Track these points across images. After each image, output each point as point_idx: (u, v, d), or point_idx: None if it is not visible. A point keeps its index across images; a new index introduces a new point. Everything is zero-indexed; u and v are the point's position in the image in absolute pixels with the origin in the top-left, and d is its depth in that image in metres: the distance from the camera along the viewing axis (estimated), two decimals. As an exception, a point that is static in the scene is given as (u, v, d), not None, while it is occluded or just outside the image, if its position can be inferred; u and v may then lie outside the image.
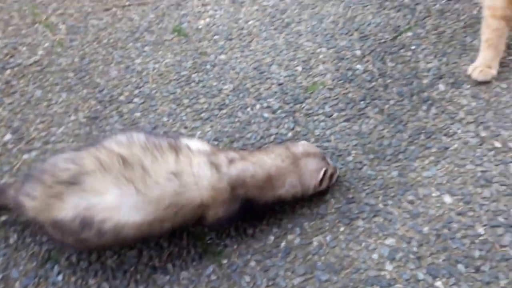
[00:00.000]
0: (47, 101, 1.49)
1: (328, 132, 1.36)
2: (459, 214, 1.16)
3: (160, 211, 0.97)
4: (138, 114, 1.44)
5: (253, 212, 1.13)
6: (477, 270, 1.06)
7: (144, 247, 1.13)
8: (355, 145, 1.33)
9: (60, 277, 1.08)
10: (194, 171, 1.01)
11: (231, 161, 1.07)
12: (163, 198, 0.97)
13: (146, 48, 1.67)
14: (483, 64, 1.47)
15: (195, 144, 1.09)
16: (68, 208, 0.95)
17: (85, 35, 1.72)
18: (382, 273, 1.07)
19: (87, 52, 1.66)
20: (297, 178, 1.12)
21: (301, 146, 1.16)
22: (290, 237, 1.15)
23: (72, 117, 1.44)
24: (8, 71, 1.60)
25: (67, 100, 1.49)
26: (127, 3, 1.85)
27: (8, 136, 1.40)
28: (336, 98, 1.45)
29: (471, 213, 1.16)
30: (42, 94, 1.51)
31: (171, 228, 1.03)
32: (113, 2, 1.86)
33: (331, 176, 1.18)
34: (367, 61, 1.56)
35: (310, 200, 1.20)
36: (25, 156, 1.33)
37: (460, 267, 1.07)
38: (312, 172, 1.13)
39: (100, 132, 1.39)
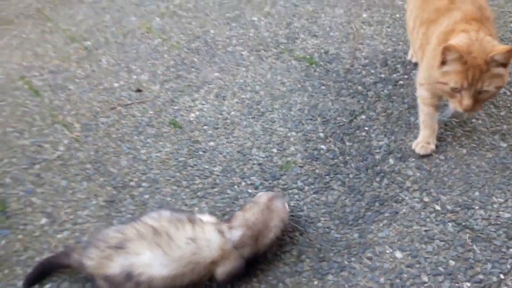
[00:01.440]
0: (72, 189, 1.73)
1: (301, 203, 1.64)
2: (408, 266, 1.42)
3: (181, 267, 1.28)
4: (147, 196, 1.70)
5: (256, 261, 1.43)
6: (424, 311, 1.32)
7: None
8: (324, 213, 1.60)
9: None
10: (206, 236, 1.32)
11: (230, 228, 1.38)
12: (183, 258, 1.28)
13: (149, 140, 1.94)
14: (423, 140, 1.78)
15: (205, 217, 1.43)
16: (116, 266, 1.25)
17: (97, 131, 1.99)
18: (350, 318, 1.33)
19: (100, 146, 1.92)
20: (276, 219, 1.42)
21: (262, 195, 1.49)
22: (275, 292, 1.39)
23: (94, 202, 1.68)
24: (37, 166, 1.84)
25: (87, 188, 1.73)
26: (129, 102, 2.17)
27: (43, 220, 1.63)
28: (306, 174, 1.75)
29: (417, 265, 1.41)
30: (67, 183, 1.76)
31: (190, 281, 1.31)
32: (118, 102, 2.16)
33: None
34: (329, 141, 1.89)
35: (289, 261, 1.47)
36: (59, 236, 1.57)
37: (411, 309, 1.33)
38: (282, 209, 1.46)
39: (117, 213, 1.62)
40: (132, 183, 1.76)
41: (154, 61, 2.44)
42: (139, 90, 2.24)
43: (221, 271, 1.34)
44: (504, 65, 1.45)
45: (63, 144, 1.95)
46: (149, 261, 1.25)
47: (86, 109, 2.13)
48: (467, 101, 1.47)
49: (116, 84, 2.29)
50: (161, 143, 1.94)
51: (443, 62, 1.48)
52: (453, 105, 1.53)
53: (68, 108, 2.15)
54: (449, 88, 1.49)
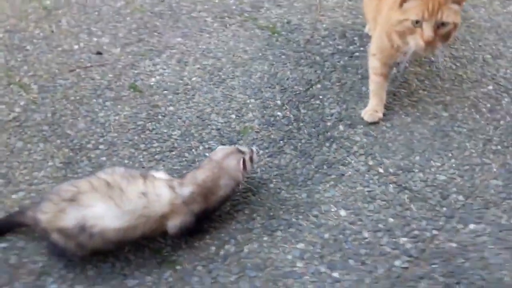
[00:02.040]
0: (28, 151, 1.73)
1: (255, 166, 1.71)
2: (350, 223, 1.53)
3: (133, 220, 1.32)
4: (104, 159, 1.73)
5: (207, 217, 1.48)
6: (363, 263, 1.41)
7: (116, 260, 1.42)
8: (276, 175, 1.68)
9: (53, 286, 1.37)
10: (156, 191, 1.37)
11: (181, 184, 1.43)
12: (135, 211, 1.33)
13: (107, 103, 1.95)
14: (371, 109, 1.89)
15: (158, 173, 1.48)
16: (70, 218, 1.29)
17: (55, 93, 1.98)
18: (295, 269, 1.40)
19: (57, 108, 1.91)
20: (227, 177, 1.45)
21: (219, 152, 1.51)
22: (227, 246, 1.46)
23: (50, 163, 1.69)
24: None
25: (44, 149, 1.74)
26: (89, 64, 2.15)
27: None
28: (262, 139, 1.81)
29: (359, 222, 1.52)
30: (23, 145, 1.76)
31: (142, 234, 1.37)
32: (77, 64, 2.14)
33: (251, 158, 1.52)
34: (285, 109, 1.95)
35: (241, 219, 1.55)
36: (14, 196, 1.58)
37: (351, 261, 1.41)
38: (235, 166, 1.47)
39: (74, 174, 1.64)
40: (89, 146, 1.78)
41: (116, 23, 2.41)
42: (99, 53, 2.22)
43: (172, 225, 1.40)
44: (458, 3, 1.53)
45: (19, 105, 1.94)
46: (102, 213, 1.30)
47: (44, 71, 2.11)
48: (428, 32, 1.51)
49: (76, 46, 2.26)
50: (119, 106, 1.95)
51: (404, 0, 1.53)
52: (414, 42, 1.56)
53: (25, 69, 2.12)
54: (410, 23, 1.53)
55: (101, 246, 1.34)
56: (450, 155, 1.74)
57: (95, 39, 2.31)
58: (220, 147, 1.59)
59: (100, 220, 1.30)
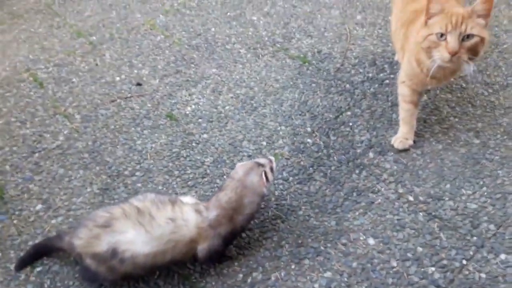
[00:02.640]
0: (68, 177, 1.85)
1: (285, 192, 1.74)
2: (379, 252, 1.52)
3: (162, 245, 1.38)
4: (139, 185, 1.82)
5: (236, 237, 1.52)
6: (391, 293, 1.43)
7: (146, 286, 1.49)
8: (305, 202, 1.70)
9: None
10: (184, 216, 1.42)
11: (207, 208, 1.47)
12: (163, 236, 1.38)
13: (145, 132, 2.06)
14: (401, 136, 1.89)
15: (185, 198, 1.55)
16: (103, 244, 1.36)
17: (96, 122, 2.12)
18: (322, 297, 1.43)
19: (98, 136, 2.04)
20: (251, 194, 1.47)
21: (239, 169, 1.50)
22: (254, 274, 1.49)
23: (88, 189, 1.80)
24: (36, 154, 1.97)
25: (83, 176, 1.86)
26: (129, 95, 2.30)
27: (39, 206, 1.75)
28: (292, 166, 1.86)
29: (388, 251, 1.52)
30: (64, 171, 1.88)
31: (171, 259, 1.42)
32: (118, 95, 2.29)
33: (271, 169, 1.54)
34: (315, 136, 1.99)
35: (269, 246, 1.58)
36: (53, 221, 1.69)
37: (379, 291, 1.43)
38: (258, 182, 1.48)
39: (110, 200, 1.74)
40: (126, 172, 1.88)
41: (155, 56, 2.56)
42: (139, 84, 2.35)
43: (201, 249, 1.45)
44: (484, 16, 1.53)
45: (63, 134, 2.08)
46: (133, 238, 1.36)
47: (87, 101, 2.26)
48: (453, 43, 1.51)
49: (117, 78, 2.41)
50: (156, 134, 2.05)
51: (429, 18, 1.57)
52: (439, 54, 1.56)
53: (70, 100, 2.28)
54: (435, 36, 1.55)
55: (131, 271, 1.40)
56: (481, 183, 1.71)
57: (135, 71, 2.45)
58: (239, 163, 1.56)
59: (131, 245, 1.36)
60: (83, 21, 2.93)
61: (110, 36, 2.75)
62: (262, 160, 1.56)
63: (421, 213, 1.63)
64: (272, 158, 1.61)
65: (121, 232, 1.37)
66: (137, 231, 1.36)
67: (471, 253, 1.49)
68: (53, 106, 2.24)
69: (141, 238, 1.36)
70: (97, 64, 2.52)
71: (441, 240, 1.54)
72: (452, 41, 1.52)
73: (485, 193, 1.67)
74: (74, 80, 2.42)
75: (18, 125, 2.15)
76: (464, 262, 1.47)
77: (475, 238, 1.53)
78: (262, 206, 1.61)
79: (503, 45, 2.37)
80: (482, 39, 1.55)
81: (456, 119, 1.99)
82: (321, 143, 1.95)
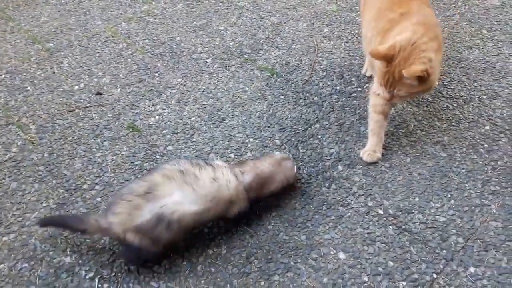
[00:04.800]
0: (22, 191, 1.73)
1: (253, 206, 1.72)
2: (350, 267, 1.51)
3: (208, 203, 1.45)
4: (99, 199, 1.73)
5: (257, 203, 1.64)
6: (363, 309, 1.41)
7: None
8: (274, 216, 1.68)
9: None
10: (225, 177, 1.50)
11: (242, 172, 1.57)
12: (209, 194, 1.45)
13: (105, 143, 1.97)
14: (370, 149, 1.91)
15: (218, 162, 1.59)
16: (145, 213, 1.36)
17: (53, 133, 2.01)
18: (292, 316, 1.40)
19: (54, 148, 1.94)
20: (282, 175, 1.65)
21: (279, 154, 1.73)
22: (222, 293, 1.46)
23: (44, 204, 1.69)
24: None
25: (38, 190, 1.74)
26: (88, 104, 2.21)
27: None
28: (260, 179, 1.84)
29: (359, 266, 1.51)
30: (17, 185, 1.76)
31: (211, 217, 1.50)
32: (76, 104, 2.19)
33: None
34: (285, 148, 1.98)
35: (238, 263, 1.53)
36: (5, 238, 1.57)
37: (350, 307, 1.42)
38: (290, 168, 1.68)
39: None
40: (85, 186, 1.78)
41: (117, 65, 2.48)
42: (99, 93, 2.26)
43: (233, 209, 1.53)
44: (420, 78, 1.63)
45: (16, 145, 1.96)
46: (180, 199, 1.39)
47: (43, 111, 2.15)
48: (385, 94, 1.74)
49: (76, 87, 2.31)
50: (117, 146, 1.97)
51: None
52: (382, 91, 1.76)
53: (25, 109, 2.16)
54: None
55: (175, 236, 1.42)
56: (449, 196, 1.74)
57: (95, 79, 2.36)
58: (277, 152, 1.81)
59: (179, 205, 1.38)
60: (39, 26, 2.81)
61: (68, 43, 2.64)
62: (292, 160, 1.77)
63: (391, 227, 1.63)
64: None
65: (167, 195, 1.38)
66: (184, 191, 1.40)
67: (441, 266, 1.50)
68: (5, 116, 2.11)
69: (189, 198, 1.40)
70: (54, 72, 2.41)
71: (412, 254, 1.54)
72: (385, 93, 1.74)
73: (453, 206, 1.70)
74: (29, 88, 2.30)
75: (-35, 135, 2.00)
76: (435, 275, 1.47)
77: (444, 251, 1.54)
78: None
79: (465, 61, 2.47)
80: (416, 92, 1.74)
81: (423, 132, 2.04)
82: (290, 155, 1.93)
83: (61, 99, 2.23)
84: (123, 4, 3.05)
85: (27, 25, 2.82)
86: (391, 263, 1.52)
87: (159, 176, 1.42)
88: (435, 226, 1.63)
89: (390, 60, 1.64)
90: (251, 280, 1.48)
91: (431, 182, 1.80)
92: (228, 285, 1.46)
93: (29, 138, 2.00)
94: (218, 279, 1.47)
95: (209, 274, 1.49)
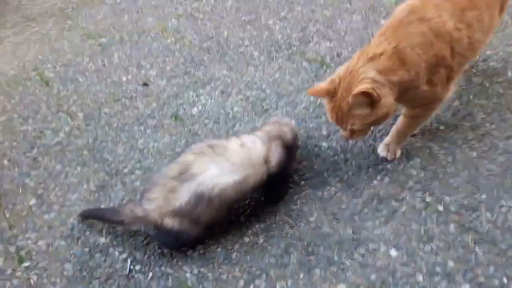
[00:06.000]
0: (65, 173, 1.78)
1: (295, 197, 1.62)
2: (402, 265, 1.36)
3: (245, 168, 1.41)
4: (138, 184, 1.72)
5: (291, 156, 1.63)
6: (417, 312, 1.26)
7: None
8: (318, 208, 1.57)
9: None
10: (251, 139, 1.50)
11: (262, 131, 1.59)
12: (243, 159, 1.42)
13: (148, 131, 1.98)
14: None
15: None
16: (183, 194, 1.33)
17: (99, 121, 2.05)
18: (334, 314, 1.27)
19: (99, 134, 1.97)
20: (286, 127, 1.66)
21: (273, 117, 1.80)
22: (257, 281, 1.35)
23: (84, 186, 1.72)
24: (35, 150, 1.91)
25: (81, 173, 1.78)
26: (134, 95, 2.24)
27: (33, 201, 1.68)
28: (304, 170, 1.72)
29: (413, 264, 1.36)
30: (61, 168, 1.81)
31: (254, 183, 1.44)
32: (123, 94, 2.25)
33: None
34: (331, 139, 1.87)
35: (275, 253, 1.43)
36: (46, 217, 1.61)
37: (402, 309, 1.27)
38: (290, 120, 1.74)
39: (107, 198, 1.65)
40: (125, 170, 1.78)
41: (164, 58, 2.51)
42: (145, 84, 2.29)
43: (273, 162, 1.50)
44: (369, 103, 1.37)
45: (64, 131, 2.01)
46: (217, 171, 1.36)
47: (92, 100, 2.20)
48: (342, 132, 1.53)
49: (124, 78, 2.36)
50: (159, 134, 1.97)
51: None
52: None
53: (75, 98, 2.23)
54: None
55: (216, 214, 1.38)
56: (524, 194, 1.53)
57: (143, 72, 2.40)
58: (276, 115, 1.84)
59: (218, 178, 1.35)
60: (94, 24, 2.93)
61: (120, 39, 2.72)
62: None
63: (452, 224, 1.46)
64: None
65: (202, 171, 1.35)
66: (219, 163, 1.37)
67: (513, 270, 1.31)
68: (57, 104, 2.19)
69: (226, 168, 1.37)
70: (104, 65, 2.48)
71: (477, 255, 1.36)
72: (342, 130, 1.52)
73: (528, 204, 1.49)
74: (80, 79, 2.38)
75: (20, 121, 2.10)
76: (505, 280, 1.28)
77: (517, 253, 1.35)
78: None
79: (543, 49, 2.22)
80: (375, 121, 1.43)
81: (493, 126, 1.83)
82: (338, 147, 1.81)
83: (108, 89, 2.28)
84: (174, 2, 3.11)
85: (83, 23, 2.96)
86: (451, 264, 1.35)
87: (189, 155, 1.39)
88: (507, 226, 1.43)
89: (333, 95, 1.44)
90: (289, 271, 1.37)
91: (502, 178, 1.60)
92: (264, 274, 1.37)
93: (76, 125, 2.05)
94: (254, 268, 1.39)
95: (244, 263, 1.40)
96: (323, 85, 1.47)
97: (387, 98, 1.38)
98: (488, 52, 2.28)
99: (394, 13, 1.59)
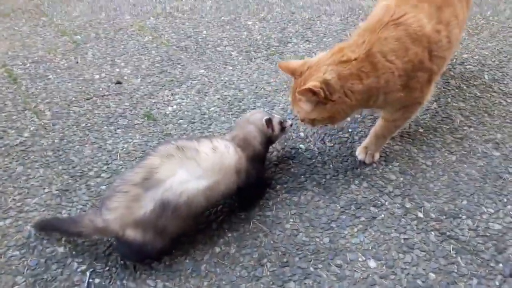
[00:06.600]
0: (26, 176, 1.57)
1: (270, 202, 1.45)
2: (381, 277, 1.21)
3: (216, 174, 1.23)
4: (103, 187, 1.53)
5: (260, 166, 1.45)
6: (397, 329, 1.11)
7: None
8: (294, 214, 1.41)
9: None
10: (223, 144, 1.30)
11: (232, 139, 1.38)
12: (214, 165, 1.24)
13: (118, 131, 1.78)
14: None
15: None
16: (147, 204, 1.14)
17: (67, 120, 1.85)
18: (309, 332, 1.11)
19: (66, 134, 1.77)
20: (253, 127, 1.44)
21: (248, 113, 1.57)
22: (227, 298, 1.20)
23: (46, 190, 1.51)
24: None
25: (43, 175, 1.57)
26: (107, 93, 2.04)
27: None
28: (280, 173, 1.57)
29: (392, 276, 1.21)
30: (23, 170, 1.60)
31: (225, 189, 1.27)
32: (94, 92, 2.04)
33: (280, 123, 1.49)
34: (309, 141, 1.71)
35: (248, 264, 1.27)
36: (0, 223, 1.40)
37: (381, 326, 1.12)
38: (260, 119, 1.46)
39: (69, 202, 1.46)
40: (91, 173, 1.59)
41: (140, 56, 2.32)
42: (119, 82, 2.10)
43: (243, 174, 1.32)
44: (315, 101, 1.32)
45: (29, 131, 1.81)
46: (186, 177, 1.18)
47: (61, 98, 2.00)
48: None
49: (97, 76, 2.16)
50: (130, 134, 1.78)
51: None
52: None
53: (43, 96, 2.02)
54: None
55: (183, 224, 1.21)
56: (505, 200, 1.41)
57: (117, 69, 2.20)
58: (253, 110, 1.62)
59: (187, 184, 1.17)
60: (70, 21, 2.71)
61: (95, 36, 2.52)
62: (276, 115, 1.54)
63: (433, 233, 1.32)
64: (291, 122, 1.55)
65: (169, 176, 1.16)
66: (188, 167, 1.18)
67: (497, 283, 1.17)
68: (24, 102, 1.98)
69: (195, 173, 1.19)
70: (77, 62, 2.28)
71: (459, 265, 1.23)
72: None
73: (510, 212, 1.36)
74: (50, 76, 2.17)
75: (-19, 120, 1.87)
76: (489, 293, 1.15)
77: (500, 265, 1.22)
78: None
79: (519, 53, 2.12)
80: (324, 119, 1.38)
81: (472, 129, 1.71)
82: (316, 149, 1.66)
83: (80, 87, 2.08)
84: (154, 0, 2.92)
85: (58, 20, 2.74)
86: (432, 276, 1.21)
87: (155, 158, 1.20)
88: (488, 234, 1.30)
89: (297, 77, 1.38)
90: (261, 285, 1.21)
91: (482, 183, 1.47)
92: (235, 289, 1.20)
93: (42, 124, 1.84)
94: (224, 282, 1.22)
95: (214, 275, 1.23)
96: (295, 63, 1.41)
97: (336, 105, 1.32)
98: (465, 56, 2.17)
99: (373, 12, 1.48)
